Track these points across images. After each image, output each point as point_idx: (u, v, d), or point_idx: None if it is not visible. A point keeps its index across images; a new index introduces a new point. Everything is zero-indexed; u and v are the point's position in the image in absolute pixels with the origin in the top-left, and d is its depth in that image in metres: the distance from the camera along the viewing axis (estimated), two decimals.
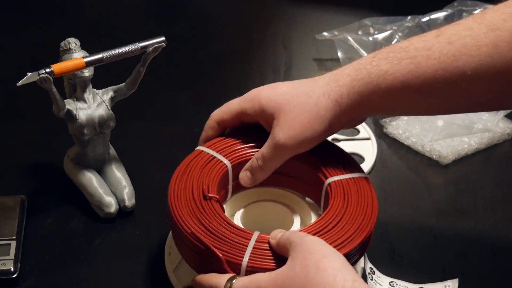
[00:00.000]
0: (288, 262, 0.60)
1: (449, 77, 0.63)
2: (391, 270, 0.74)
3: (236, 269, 0.63)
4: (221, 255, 0.62)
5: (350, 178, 0.71)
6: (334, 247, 0.63)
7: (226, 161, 0.73)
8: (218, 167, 0.72)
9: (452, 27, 0.65)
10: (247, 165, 0.73)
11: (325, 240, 0.63)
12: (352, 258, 0.66)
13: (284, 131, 0.69)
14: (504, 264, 0.78)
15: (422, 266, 0.77)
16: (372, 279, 0.71)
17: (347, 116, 0.69)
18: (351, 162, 0.74)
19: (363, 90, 0.67)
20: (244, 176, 0.73)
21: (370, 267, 0.72)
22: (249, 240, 0.64)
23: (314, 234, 0.65)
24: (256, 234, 0.65)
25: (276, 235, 0.64)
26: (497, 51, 0.61)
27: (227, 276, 0.62)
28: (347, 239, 0.65)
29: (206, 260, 0.64)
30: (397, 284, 0.72)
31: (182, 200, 0.68)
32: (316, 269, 0.58)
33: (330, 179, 0.71)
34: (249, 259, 0.63)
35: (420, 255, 0.78)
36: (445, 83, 0.64)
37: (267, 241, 0.64)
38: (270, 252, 0.64)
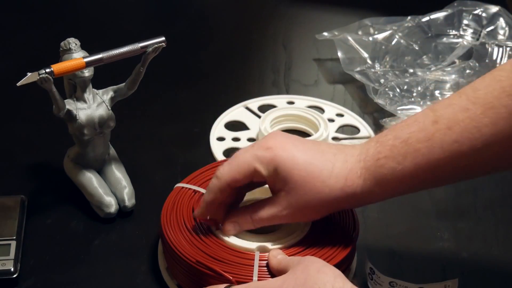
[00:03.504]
0: (289, 272, 0.63)
1: (455, 160, 0.64)
2: (391, 270, 0.74)
3: None
4: (231, 278, 0.65)
5: None
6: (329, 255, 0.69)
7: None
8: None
9: (447, 109, 0.64)
10: (236, 217, 0.70)
11: (314, 252, 0.69)
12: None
13: (290, 209, 0.68)
14: (504, 264, 0.78)
15: (422, 266, 0.77)
16: (372, 279, 0.71)
17: (356, 204, 0.70)
18: None
19: (374, 189, 0.67)
20: (232, 228, 0.70)
21: (370, 267, 0.72)
22: (253, 260, 0.68)
23: (304, 250, 0.70)
24: (257, 254, 0.68)
25: (277, 254, 0.67)
26: (497, 128, 0.62)
27: (223, 285, 0.64)
28: (337, 249, 0.70)
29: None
30: (397, 284, 0.72)
31: (178, 233, 0.71)
32: (317, 272, 0.61)
33: None
34: (258, 278, 0.66)
35: (420, 255, 0.78)
36: (451, 165, 0.64)
37: (267, 258, 0.68)
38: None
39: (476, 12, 1.10)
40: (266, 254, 0.69)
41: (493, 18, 1.09)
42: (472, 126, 0.62)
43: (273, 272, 0.66)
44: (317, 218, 0.70)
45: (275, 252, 0.68)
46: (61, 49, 0.76)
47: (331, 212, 0.70)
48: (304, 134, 0.95)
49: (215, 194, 0.69)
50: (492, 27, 1.08)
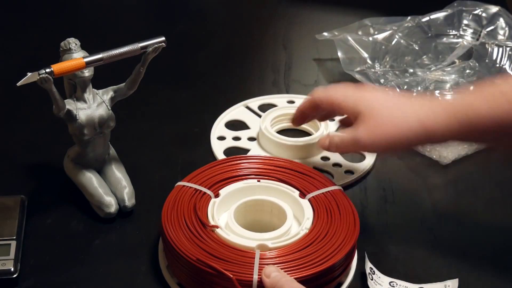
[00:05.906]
0: None
1: None
2: (391, 270, 0.74)
3: (247, 286, 0.67)
4: (231, 276, 0.66)
5: (327, 192, 0.77)
6: (326, 256, 0.69)
7: (209, 192, 0.76)
8: (204, 198, 0.76)
9: None
10: (337, 135, 0.79)
11: (314, 251, 0.70)
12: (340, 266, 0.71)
13: (369, 136, 0.75)
14: (504, 264, 0.78)
15: (422, 266, 0.77)
16: (372, 279, 0.71)
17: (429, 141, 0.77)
18: (323, 177, 0.80)
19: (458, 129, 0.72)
20: (324, 139, 0.80)
21: (370, 267, 0.72)
22: (253, 258, 0.68)
23: (304, 248, 0.70)
24: (257, 253, 0.69)
25: (270, 273, 0.66)
26: None
27: None
28: (337, 247, 0.71)
29: (215, 284, 0.68)
30: (397, 284, 0.72)
31: (179, 231, 0.72)
32: None
33: (309, 195, 0.77)
34: (258, 276, 0.67)
35: (420, 255, 0.78)
36: None
37: (267, 257, 0.69)
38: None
39: (476, 12, 1.10)
40: (267, 252, 0.69)
41: (493, 18, 1.09)
42: None
43: None
44: (389, 150, 0.80)
45: (268, 271, 0.66)
46: (61, 49, 0.77)
47: (404, 147, 0.77)
48: (304, 133, 0.95)
49: (304, 105, 0.85)
50: (492, 27, 1.08)
